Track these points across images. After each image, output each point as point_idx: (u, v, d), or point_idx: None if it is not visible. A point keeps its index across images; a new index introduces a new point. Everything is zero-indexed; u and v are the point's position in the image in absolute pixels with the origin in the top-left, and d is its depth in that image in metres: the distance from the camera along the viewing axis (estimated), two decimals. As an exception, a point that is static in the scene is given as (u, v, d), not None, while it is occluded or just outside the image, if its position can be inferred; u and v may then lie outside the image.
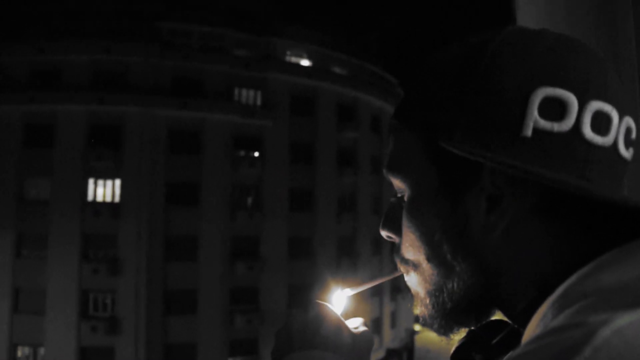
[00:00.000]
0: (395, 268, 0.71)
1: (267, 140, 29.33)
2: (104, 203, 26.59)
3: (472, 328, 0.67)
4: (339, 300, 0.81)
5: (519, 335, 0.58)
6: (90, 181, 26.65)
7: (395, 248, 0.66)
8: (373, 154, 34.86)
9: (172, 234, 27.03)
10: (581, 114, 0.51)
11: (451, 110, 0.54)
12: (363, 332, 0.77)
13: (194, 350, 27.17)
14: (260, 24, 30.05)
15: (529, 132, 0.51)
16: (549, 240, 0.53)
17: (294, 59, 31.37)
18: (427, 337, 55.99)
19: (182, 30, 28.37)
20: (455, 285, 0.59)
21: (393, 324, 38.60)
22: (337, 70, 32.85)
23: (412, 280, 0.65)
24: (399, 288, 39.13)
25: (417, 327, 52.54)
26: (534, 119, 0.51)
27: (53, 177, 26.35)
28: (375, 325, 35.18)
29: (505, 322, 0.66)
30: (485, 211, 0.54)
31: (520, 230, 0.54)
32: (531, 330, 0.52)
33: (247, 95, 29.46)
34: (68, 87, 26.52)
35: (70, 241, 26.05)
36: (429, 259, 0.60)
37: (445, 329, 0.63)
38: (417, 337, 47.96)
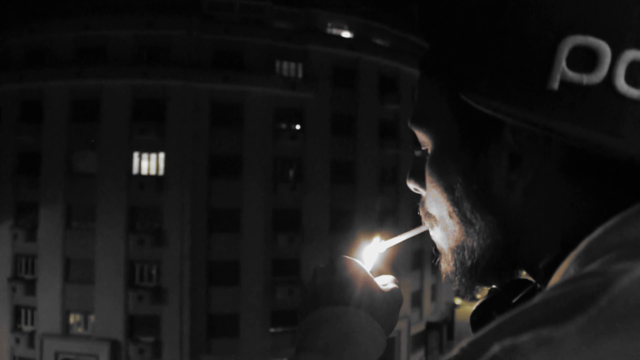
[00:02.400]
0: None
1: (308, 112, 29.26)
2: (148, 176, 27.08)
3: (494, 287, 0.65)
4: (369, 256, 0.80)
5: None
6: (135, 154, 27.13)
7: (421, 201, 0.65)
8: (415, 126, 34.44)
9: (214, 206, 27.38)
10: (614, 65, 0.46)
11: (474, 60, 0.51)
12: (393, 290, 0.76)
13: (236, 320, 27.67)
14: (300, -5, 29.79)
15: (555, 84, 0.47)
16: (573, 199, 0.51)
17: (335, 31, 31.04)
18: (467, 310, 55.80)
19: (223, 3, 28.33)
20: (475, 243, 0.57)
21: (433, 297, 38.53)
22: (378, 41, 32.39)
23: (436, 235, 0.63)
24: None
25: (457, 301, 52.39)
26: (562, 70, 0.47)
27: (99, 150, 26.93)
28: (415, 298, 35.21)
29: (529, 281, 0.63)
30: (507, 169, 0.52)
31: (543, 189, 0.52)
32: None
33: (288, 68, 29.35)
34: (113, 62, 26.93)
35: (116, 213, 26.68)
36: (450, 215, 0.59)
37: (466, 287, 0.62)
38: (457, 311, 47.83)
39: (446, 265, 0.63)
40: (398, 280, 0.80)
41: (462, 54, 0.52)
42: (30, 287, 27.40)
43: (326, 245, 29.55)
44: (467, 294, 0.63)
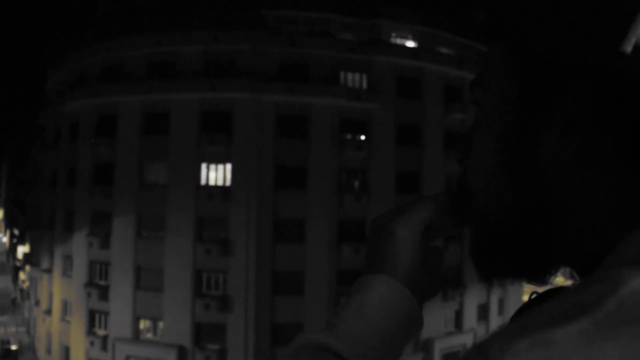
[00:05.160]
0: None
1: (373, 123, 29.10)
2: (216, 186, 27.57)
3: (534, 293, 0.60)
4: (414, 216, 0.68)
5: None
6: (203, 165, 27.69)
7: (460, 175, 0.64)
8: (481, 135, 33.73)
9: (280, 217, 27.57)
10: None
11: (546, 17, 0.50)
12: (434, 247, 0.69)
13: (300, 329, 27.58)
14: (364, 6, 29.69)
15: (629, 48, 0.45)
16: (621, 183, 0.49)
17: (399, 41, 30.81)
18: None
19: (288, 17, 28.63)
20: (504, 215, 0.55)
21: (500, 311, 37.49)
22: (443, 50, 31.92)
23: (470, 209, 0.60)
24: (507, 273, 37.92)
25: (526, 314, 50.74)
26: (638, 35, 0.45)
27: (169, 162, 27.68)
28: (481, 311, 34.36)
29: (566, 288, 0.55)
30: (558, 132, 0.50)
31: (593, 162, 0.49)
32: None
33: (353, 79, 29.32)
34: (182, 77, 27.69)
35: (185, 223, 27.29)
36: (485, 182, 0.57)
37: (488, 273, 0.59)
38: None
39: (473, 244, 0.60)
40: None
41: (533, 10, 0.51)
42: (104, 293, 28.44)
43: (390, 257, 29.24)
44: (488, 281, 0.59)
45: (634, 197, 0.49)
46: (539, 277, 0.57)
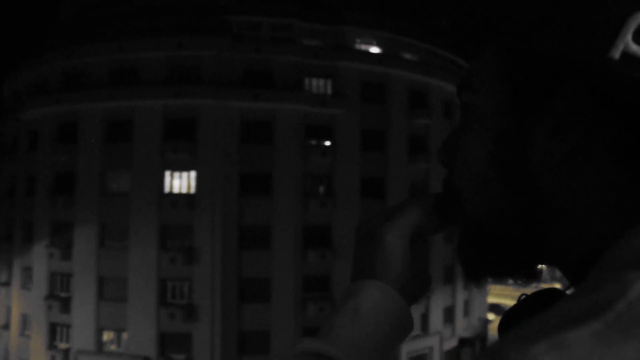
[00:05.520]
0: None
1: (338, 128, 29.23)
2: (180, 194, 27.30)
3: (524, 295, 0.62)
4: (402, 220, 0.67)
5: None
6: (167, 173, 27.39)
7: (447, 175, 0.64)
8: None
9: (245, 224, 27.46)
10: None
11: (539, 20, 0.50)
12: (419, 246, 0.69)
13: (267, 337, 27.63)
14: (328, 12, 29.82)
15: (617, 54, 0.46)
16: (618, 185, 0.49)
17: (364, 47, 31.03)
18: (500, 324, 54.87)
19: (252, 23, 28.57)
20: (497, 219, 0.55)
21: (466, 313, 37.98)
22: (407, 56, 32.28)
23: (456, 208, 0.61)
24: (472, 276, 38.45)
25: (490, 316, 51.62)
26: (626, 42, 0.46)
27: (132, 170, 27.27)
28: (447, 313, 34.75)
29: (560, 290, 0.60)
30: (549, 133, 0.51)
31: (584, 164, 0.50)
32: None
33: (318, 85, 29.39)
34: (145, 83, 27.34)
35: (149, 232, 26.95)
36: (476, 186, 0.57)
37: (476, 272, 0.60)
38: (490, 326, 47.11)
39: (461, 242, 0.61)
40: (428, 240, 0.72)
41: (527, 13, 0.51)
42: (66, 305, 27.80)
43: (357, 262, 29.38)
44: (476, 281, 0.60)
45: (627, 197, 0.49)
46: (527, 277, 0.59)
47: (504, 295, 68.24)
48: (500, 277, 0.58)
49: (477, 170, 0.56)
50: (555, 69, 0.50)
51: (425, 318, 32.63)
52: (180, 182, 27.54)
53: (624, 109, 0.47)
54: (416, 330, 32.00)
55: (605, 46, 0.46)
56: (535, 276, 0.59)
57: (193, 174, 27.45)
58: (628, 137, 0.48)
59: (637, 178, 0.49)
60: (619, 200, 0.49)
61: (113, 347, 27.76)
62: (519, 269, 0.58)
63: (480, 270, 0.59)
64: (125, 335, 27.36)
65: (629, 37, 0.46)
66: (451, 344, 35.19)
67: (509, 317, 0.62)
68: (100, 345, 27.61)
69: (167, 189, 27.40)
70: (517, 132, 0.53)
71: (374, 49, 31.24)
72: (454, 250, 0.62)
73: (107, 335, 27.79)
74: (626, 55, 0.46)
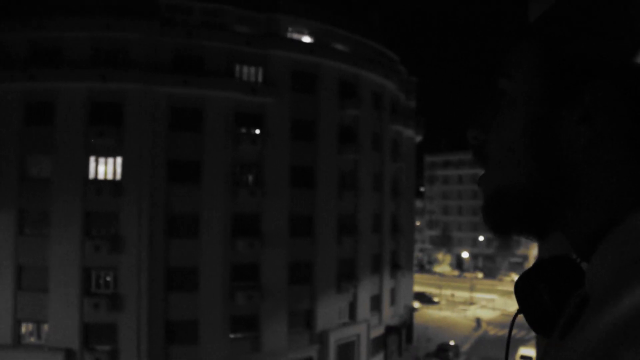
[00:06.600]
0: None
1: (269, 117, 29.21)
2: (105, 181, 26.55)
3: (539, 258, 0.72)
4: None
5: (582, 270, 0.68)
6: (92, 159, 26.58)
7: (477, 147, 0.72)
8: (374, 131, 34.77)
9: (173, 212, 27.07)
10: None
11: (575, 25, 0.60)
12: None
13: (195, 326, 27.37)
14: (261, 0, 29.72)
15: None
16: (631, 170, 0.58)
17: (295, 35, 31.10)
18: (425, 314, 56.56)
19: (183, 7, 28.06)
20: (527, 186, 0.64)
21: (392, 301, 38.88)
22: (338, 46, 32.60)
23: (486, 174, 0.70)
24: (398, 265, 39.39)
25: (416, 305, 53.02)
26: None
27: (54, 155, 26.27)
28: (374, 302, 35.46)
29: (569, 257, 0.73)
30: (577, 121, 0.59)
31: (605, 149, 0.58)
32: (596, 264, 0.58)
33: (249, 72, 29.25)
34: (69, 65, 26.32)
35: (72, 219, 26.08)
36: (511, 156, 0.65)
37: (503, 228, 0.68)
38: (416, 314, 48.39)
39: (488, 206, 0.69)
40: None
41: (566, 17, 0.61)
42: (-20, 297, 26.49)
43: (285, 250, 29.53)
44: (502, 235, 0.69)
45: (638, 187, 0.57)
46: (543, 236, 0.68)
47: (428, 284, 70.32)
48: (521, 234, 0.68)
49: (511, 144, 0.65)
50: (586, 68, 0.59)
51: (353, 306, 33.19)
52: (105, 168, 26.77)
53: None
54: (344, 318, 32.50)
55: (631, 52, 0.56)
56: (546, 236, 0.68)
57: (119, 159, 26.75)
58: None
59: None
60: (633, 185, 0.58)
61: (32, 340, 26.70)
62: (537, 229, 0.67)
63: (507, 226, 0.68)
64: (45, 327, 26.39)
65: None
66: (378, 331, 35.96)
67: (524, 279, 0.74)
68: (17, 338, 26.50)
69: (91, 175, 26.55)
70: (549, 117, 0.62)
71: (306, 38, 31.38)
72: (480, 210, 0.71)
73: (25, 328, 26.70)
74: None
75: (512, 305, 58.49)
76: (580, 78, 0.59)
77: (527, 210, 0.66)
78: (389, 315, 37.87)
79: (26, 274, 26.36)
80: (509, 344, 0.83)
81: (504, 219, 0.68)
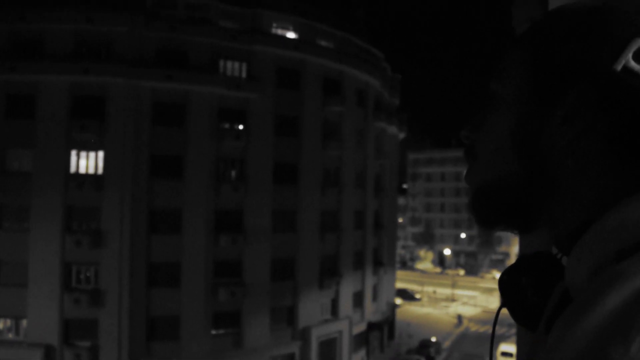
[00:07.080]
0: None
1: (252, 112, 29.16)
2: (87, 175, 26.35)
3: (522, 254, 0.77)
4: None
5: (562, 265, 0.72)
6: (73, 153, 26.36)
7: (468, 146, 0.76)
8: (358, 127, 34.84)
9: (155, 207, 26.93)
10: None
11: (561, 34, 0.66)
12: None
13: (177, 322, 27.29)
14: (246, -5, 29.62)
15: (619, 67, 0.60)
16: (611, 167, 0.62)
17: (280, 31, 31.04)
18: (407, 310, 56.89)
19: (167, 1, 27.87)
20: (512, 182, 0.69)
21: (374, 298, 39.04)
22: (323, 43, 32.61)
23: (472, 171, 0.75)
24: (380, 262, 39.55)
25: (398, 301, 53.28)
26: (627, 59, 0.60)
27: (35, 148, 25.98)
28: (356, 299, 35.58)
29: (551, 253, 0.78)
30: (559, 121, 0.64)
31: (586, 148, 0.63)
32: (574, 259, 0.62)
33: (233, 68, 29.16)
34: (50, 57, 26.01)
35: (52, 213, 25.84)
36: (497, 154, 0.70)
37: (489, 222, 0.73)
38: (398, 311, 48.63)
39: (475, 199, 0.73)
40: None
41: (555, 31, 0.67)
42: (-43, 291, 26.14)
43: (268, 247, 29.52)
44: (488, 228, 0.73)
45: (618, 181, 0.61)
46: (528, 231, 0.72)
47: (410, 281, 70.67)
48: (507, 228, 0.73)
49: (498, 142, 0.70)
50: (570, 73, 0.64)
51: (335, 303, 33.28)
52: (87, 162, 26.55)
53: (622, 109, 0.60)
54: (326, 314, 32.58)
55: (612, 60, 0.61)
56: (531, 230, 0.72)
57: (101, 154, 26.54)
58: (623, 131, 0.61)
59: (628, 165, 0.61)
60: (611, 183, 0.62)
61: (10, 336, 26.41)
62: (522, 224, 0.72)
63: (493, 220, 0.72)
64: (24, 323, 26.12)
65: (629, 55, 0.60)
66: (360, 327, 36.10)
67: (508, 273, 0.79)
68: (-5, 333, 26.22)
69: (73, 169, 26.31)
70: (534, 118, 0.66)
71: (290, 34, 31.34)
72: (467, 205, 0.76)
73: (3, 323, 26.42)
74: (626, 69, 0.60)
75: (494, 302, 58.99)
76: (564, 83, 0.64)
77: (512, 205, 0.70)
78: (371, 311, 38.03)
79: (5, 268, 26.06)
80: (494, 337, 0.87)
81: (490, 213, 0.72)
